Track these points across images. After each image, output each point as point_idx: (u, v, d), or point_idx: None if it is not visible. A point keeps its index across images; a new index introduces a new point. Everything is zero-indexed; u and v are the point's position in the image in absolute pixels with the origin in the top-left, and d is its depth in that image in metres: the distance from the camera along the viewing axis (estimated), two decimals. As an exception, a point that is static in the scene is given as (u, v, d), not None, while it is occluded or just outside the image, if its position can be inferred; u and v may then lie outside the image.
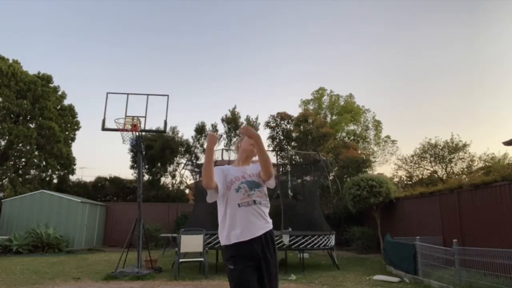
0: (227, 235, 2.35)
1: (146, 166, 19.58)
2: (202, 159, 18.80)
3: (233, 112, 20.72)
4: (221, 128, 21.01)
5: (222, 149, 13.07)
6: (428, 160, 17.40)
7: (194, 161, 19.08)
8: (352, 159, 15.78)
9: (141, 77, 38.85)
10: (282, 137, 18.23)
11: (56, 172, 19.43)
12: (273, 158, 18.02)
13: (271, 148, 18.00)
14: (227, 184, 2.39)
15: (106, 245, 15.97)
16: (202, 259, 7.93)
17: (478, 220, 7.65)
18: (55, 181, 19.61)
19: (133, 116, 8.50)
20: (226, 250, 2.38)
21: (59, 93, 19.88)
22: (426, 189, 10.34)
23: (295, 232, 9.17)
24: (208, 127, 21.00)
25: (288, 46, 40.66)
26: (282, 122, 18.40)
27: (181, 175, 21.46)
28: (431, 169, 17.49)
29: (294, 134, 18.13)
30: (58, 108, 19.50)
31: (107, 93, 8.72)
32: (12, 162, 17.59)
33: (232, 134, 20.37)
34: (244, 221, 2.33)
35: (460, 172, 16.51)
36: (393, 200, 11.57)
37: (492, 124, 38.88)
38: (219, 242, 8.05)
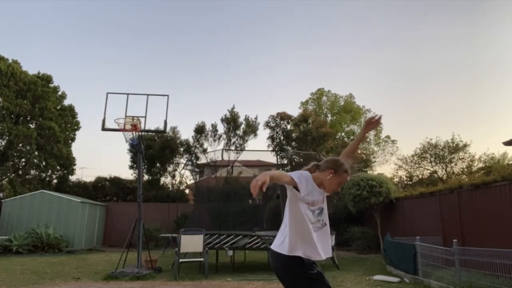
0: (294, 247, 2.27)
1: (146, 166, 19.57)
2: (202, 159, 18.78)
3: (232, 112, 20.71)
4: (221, 128, 20.98)
5: (222, 149, 13.07)
6: (428, 160, 17.41)
7: (194, 161, 19.08)
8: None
9: (141, 77, 38.90)
10: (282, 137, 18.23)
11: (56, 172, 19.43)
12: (273, 158, 18.08)
13: (271, 148, 18.02)
14: (310, 201, 2.29)
15: (106, 245, 15.96)
16: (202, 259, 7.93)
17: (478, 220, 7.64)
18: (55, 181, 19.61)
19: (133, 116, 8.50)
20: (290, 258, 2.26)
21: (59, 93, 19.88)
22: (426, 189, 10.32)
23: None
24: (208, 127, 20.98)
25: (288, 47, 40.69)
26: (282, 122, 18.41)
27: (181, 175, 21.40)
28: (431, 169, 17.51)
29: (294, 134, 18.12)
30: (58, 108, 19.51)
31: (107, 93, 8.74)
32: (12, 162, 17.58)
33: (232, 134, 20.34)
34: (318, 241, 2.30)
35: (460, 172, 16.52)
36: (393, 200, 11.56)
37: (492, 124, 38.94)
38: (218, 242, 8.09)
